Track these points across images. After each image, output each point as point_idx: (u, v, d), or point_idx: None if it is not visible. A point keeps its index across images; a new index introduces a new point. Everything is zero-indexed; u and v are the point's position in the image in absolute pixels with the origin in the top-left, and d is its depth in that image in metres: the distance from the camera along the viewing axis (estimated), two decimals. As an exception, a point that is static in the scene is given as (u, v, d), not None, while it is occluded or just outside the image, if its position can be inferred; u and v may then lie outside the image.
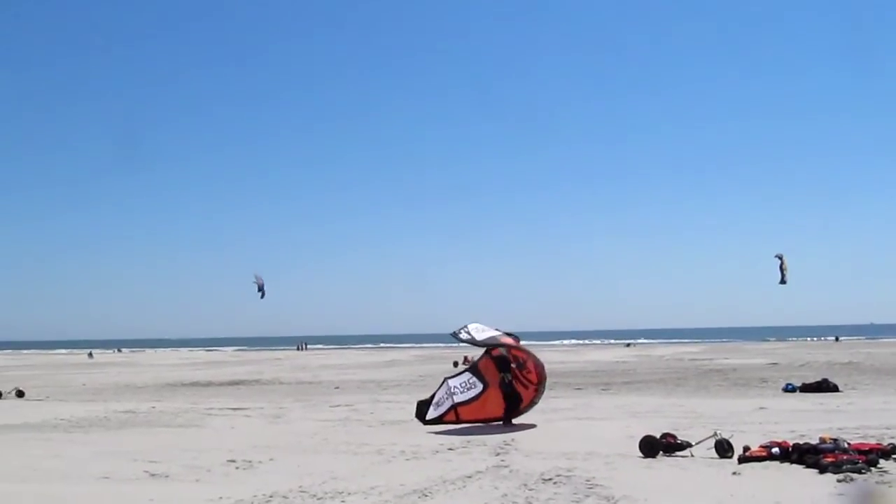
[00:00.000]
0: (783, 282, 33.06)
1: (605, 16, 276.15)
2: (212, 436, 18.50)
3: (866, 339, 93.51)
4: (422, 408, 20.60)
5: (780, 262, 32.71)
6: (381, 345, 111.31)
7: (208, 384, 37.55)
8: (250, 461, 14.47)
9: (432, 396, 20.70)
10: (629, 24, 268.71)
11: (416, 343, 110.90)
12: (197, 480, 12.84)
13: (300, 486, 11.96)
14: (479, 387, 20.11)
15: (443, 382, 20.96)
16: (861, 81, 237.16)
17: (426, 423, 19.94)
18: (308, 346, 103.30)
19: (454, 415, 20.02)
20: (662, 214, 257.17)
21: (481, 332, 19.79)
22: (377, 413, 22.58)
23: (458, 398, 20.19)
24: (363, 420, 21.02)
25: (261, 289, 43.95)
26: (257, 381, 38.71)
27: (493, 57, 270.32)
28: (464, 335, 19.60)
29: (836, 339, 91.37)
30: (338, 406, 24.92)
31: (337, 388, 33.31)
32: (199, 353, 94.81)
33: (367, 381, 36.77)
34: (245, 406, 25.61)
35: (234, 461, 14.49)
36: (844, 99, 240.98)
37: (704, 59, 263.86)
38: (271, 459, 14.69)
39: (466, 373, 20.83)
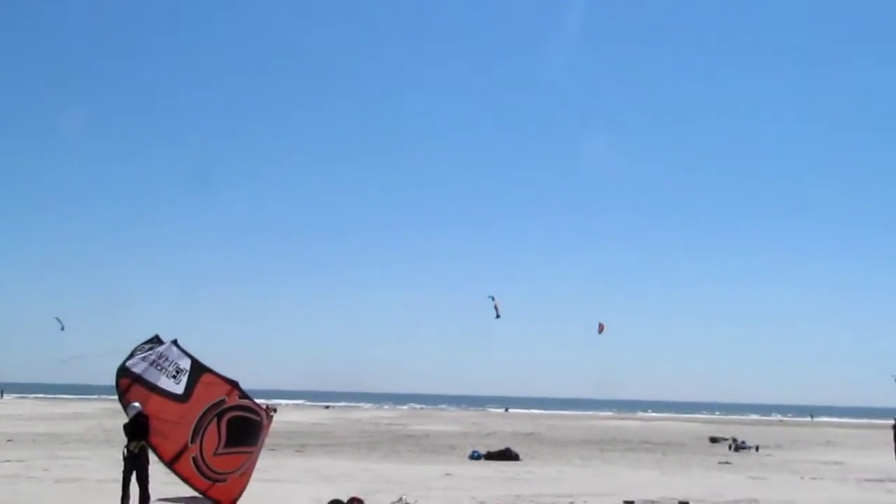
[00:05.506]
0: (497, 316, 36.99)
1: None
2: None
3: (542, 411, 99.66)
4: None
5: (493, 300, 36.43)
6: (79, 396, 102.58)
7: None
8: None
9: None
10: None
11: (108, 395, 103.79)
12: None
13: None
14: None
15: None
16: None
17: None
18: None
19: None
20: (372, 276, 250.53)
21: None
22: (52, 470, 20.97)
23: None
24: (35, 477, 19.43)
25: None
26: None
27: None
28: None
29: (506, 410, 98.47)
30: (7, 461, 22.86)
31: (10, 440, 30.59)
32: None
33: (46, 435, 34.09)
34: None
35: None
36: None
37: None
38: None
39: None
